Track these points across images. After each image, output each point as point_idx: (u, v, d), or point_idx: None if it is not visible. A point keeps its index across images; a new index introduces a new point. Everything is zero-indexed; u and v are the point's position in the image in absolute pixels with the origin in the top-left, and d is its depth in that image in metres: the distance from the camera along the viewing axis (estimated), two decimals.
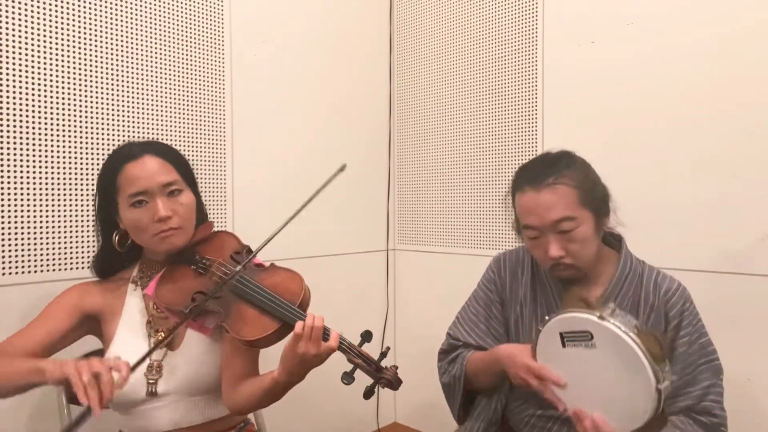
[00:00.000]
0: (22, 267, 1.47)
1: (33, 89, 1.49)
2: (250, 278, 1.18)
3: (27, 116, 1.48)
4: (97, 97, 1.61)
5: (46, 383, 1.06)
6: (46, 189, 1.51)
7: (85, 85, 1.58)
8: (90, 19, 1.59)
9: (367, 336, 1.10)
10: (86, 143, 1.59)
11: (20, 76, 1.47)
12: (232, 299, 1.17)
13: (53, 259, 1.52)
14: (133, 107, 1.68)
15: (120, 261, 1.30)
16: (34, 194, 1.49)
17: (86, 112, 1.59)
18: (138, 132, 1.69)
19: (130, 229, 1.22)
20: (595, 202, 1.21)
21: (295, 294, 1.15)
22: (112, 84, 1.64)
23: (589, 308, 1.07)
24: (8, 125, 1.45)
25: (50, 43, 1.52)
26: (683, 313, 1.21)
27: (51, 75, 1.52)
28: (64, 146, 1.54)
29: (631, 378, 1.00)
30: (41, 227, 1.50)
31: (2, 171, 1.44)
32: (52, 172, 1.53)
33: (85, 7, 1.58)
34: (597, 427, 1.03)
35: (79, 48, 1.57)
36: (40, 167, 1.50)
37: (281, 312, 1.12)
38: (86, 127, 1.59)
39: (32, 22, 1.49)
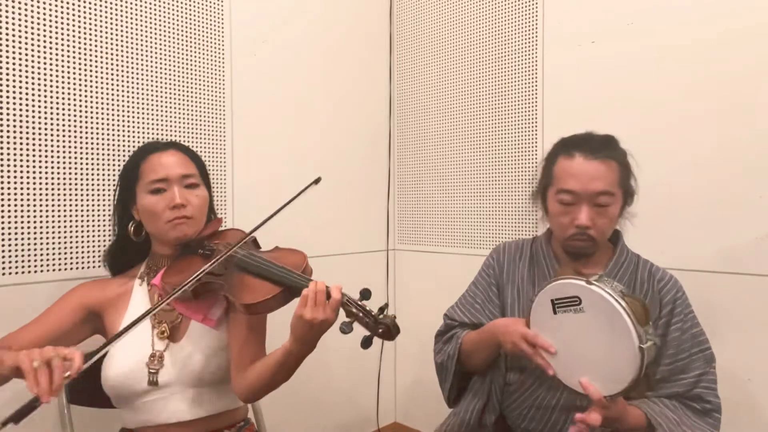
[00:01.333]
0: (22, 267, 1.47)
1: (33, 89, 1.49)
2: (254, 252, 1.21)
3: (27, 116, 1.48)
4: (97, 97, 1.61)
5: (8, 375, 1.02)
6: (47, 189, 1.51)
7: (85, 85, 1.58)
8: (90, 19, 1.59)
9: (365, 293, 1.10)
10: (86, 143, 1.59)
11: (20, 76, 1.47)
12: (235, 272, 1.19)
13: (53, 259, 1.52)
14: (133, 107, 1.68)
15: (131, 255, 1.33)
16: (35, 194, 1.49)
17: (86, 112, 1.59)
18: (138, 132, 1.69)
19: (144, 216, 1.26)
20: (628, 188, 1.29)
21: (297, 265, 1.17)
22: (112, 84, 1.64)
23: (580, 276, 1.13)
24: (8, 125, 1.45)
25: (50, 43, 1.52)
26: (676, 301, 1.26)
27: (51, 75, 1.52)
28: (64, 146, 1.54)
29: (615, 339, 1.04)
30: (42, 227, 1.50)
31: (2, 171, 1.44)
32: (52, 172, 1.53)
33: (85, 7, 1.58)
34: (585, 390, 1.07)
35: (79, 48, 1.57)
36: (40, 167, 1.50)
37: (283, 277, 1.13)
38: (86, 127, 1.59)
39: (32, 22, 1.49)
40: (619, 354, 1.04)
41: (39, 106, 1.50)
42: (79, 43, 1.57)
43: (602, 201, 1.22)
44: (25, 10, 1.47)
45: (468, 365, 1.37)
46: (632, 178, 1.30)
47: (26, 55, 1.48)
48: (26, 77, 1.48)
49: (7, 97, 1.45)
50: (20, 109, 1.47)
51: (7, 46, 1.45)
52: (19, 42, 1.47)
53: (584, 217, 1.22)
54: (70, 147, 1.56)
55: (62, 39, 1.54)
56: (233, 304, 1.17)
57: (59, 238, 1.53)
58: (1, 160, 1.44)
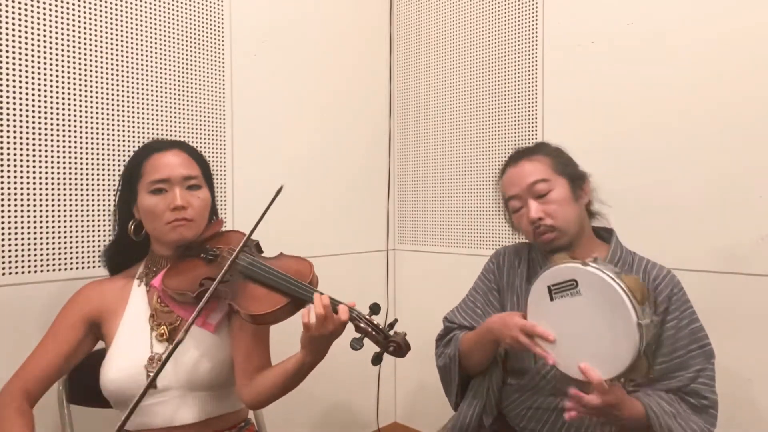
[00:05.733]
0: (22, 267, 1.47)
1: (33, 89, 1.49)
2: (260, 260, 1.20)
3: (27, 116, 1.48)
4: (97, 97, 1.61)
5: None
6: (47, 189, 1.51)
7: (85, 85, 1.58)
8: (90, 19, 1.59)
9: (375, 308, 1.11)
10: (86, 143, 1.59)
11: (20, 76, 1.47)
12: (241, 281, 1.18)
13: (53, 259, 1.52)
14: (133, 107, 1.68)
15: (130, 255, 1.32)
16: (35, 194, 1.49)
17: (86, 112, 1.59)
18: (138, 132, 1.69)
19: (144, 216, 1.25)
20: (568, 172, 1.32)
21: (304, 274, 1.16)
22: (112, 84, 1.64)
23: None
24: (8, 125, 1.45)
25: (50, 43, 1.52)
26: (671, 297, 1.26)
27: (51, 75, 1.52)
28: (64, 146, 1.54)
29: (613, 317, 1.05)
30: (42, 227, 1.50)
31: (2, 171, 1.44)
32: (53, 172, 1.52)
33: (85, 7, 1.58)
34: (585, 375, 1.07)
35: (79, 48, 1.57)
36: (40, 167, 1.50)
37: (290, 287, 1.13)
38: (86, 127, 1.59)
39: (32, 22, 1.49)
40: (618, 333, 1.04)
41: (39, 106, 1.50)
42: (79, 43, 1.57)
43: (540, 189, 1.28)
44: (25, 10, 1.47)
45: (467, 366, 1.38)
46: (571, 164, 1.35)
47: (26, 55, 1.48)
48: (26, 77, 1.48)
49: (7, 97, 1.45)
50: (20, 109, 1.47)
51: (7, 46, 1.45)
52: (19, 42, 1.47)
53: (532, 211, 1.28)
54: (70, 147, 1.55)
55: (62, 39, 1.54)
56: (238, 312, 1.16)
57: (59, 238, 1.53)
58: (1, 160, 1.44)
